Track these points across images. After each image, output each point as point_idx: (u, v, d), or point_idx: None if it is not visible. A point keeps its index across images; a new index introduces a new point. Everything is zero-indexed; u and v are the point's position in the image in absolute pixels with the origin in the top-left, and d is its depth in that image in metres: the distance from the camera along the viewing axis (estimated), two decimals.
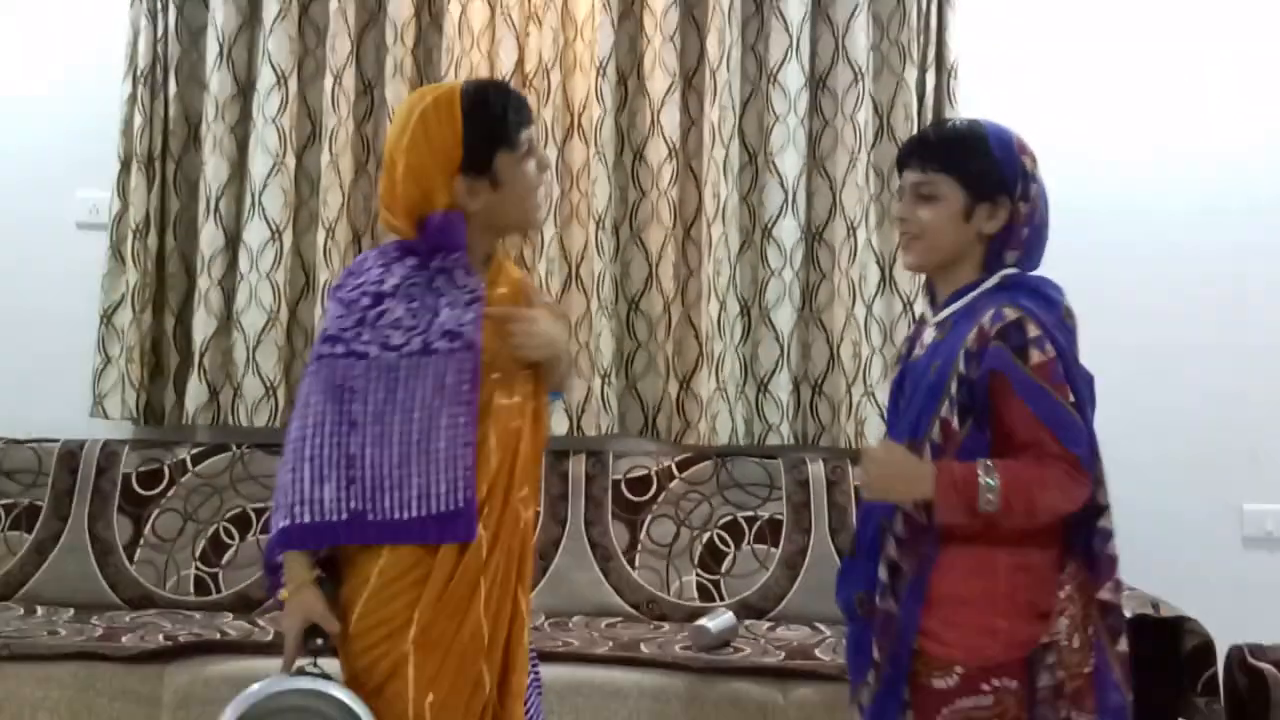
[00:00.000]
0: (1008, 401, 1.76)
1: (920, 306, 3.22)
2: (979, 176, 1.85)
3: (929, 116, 3.39)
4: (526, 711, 1.94)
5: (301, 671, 1.83)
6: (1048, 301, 1.83)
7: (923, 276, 2.02)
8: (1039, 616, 1.80)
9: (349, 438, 1.81)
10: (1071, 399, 1.77)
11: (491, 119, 1.87)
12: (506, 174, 1.88)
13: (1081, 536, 1.82)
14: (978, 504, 1.74)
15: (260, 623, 2.97)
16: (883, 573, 1.87)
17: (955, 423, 1.79)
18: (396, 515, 1.81)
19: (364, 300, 1.85)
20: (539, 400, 1.96)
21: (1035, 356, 1.75)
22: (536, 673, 2.03)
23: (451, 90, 1.90)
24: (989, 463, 1.76)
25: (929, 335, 1.91)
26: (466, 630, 1.83)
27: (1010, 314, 1.77)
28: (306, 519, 1.80)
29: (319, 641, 1.84)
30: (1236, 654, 2.46)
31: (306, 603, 1.83)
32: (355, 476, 1.80)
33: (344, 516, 1.80)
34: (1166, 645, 2.60)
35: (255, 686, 1.80)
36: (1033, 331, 1.76)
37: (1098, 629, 1.79)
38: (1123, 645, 1.82)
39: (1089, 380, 1.84)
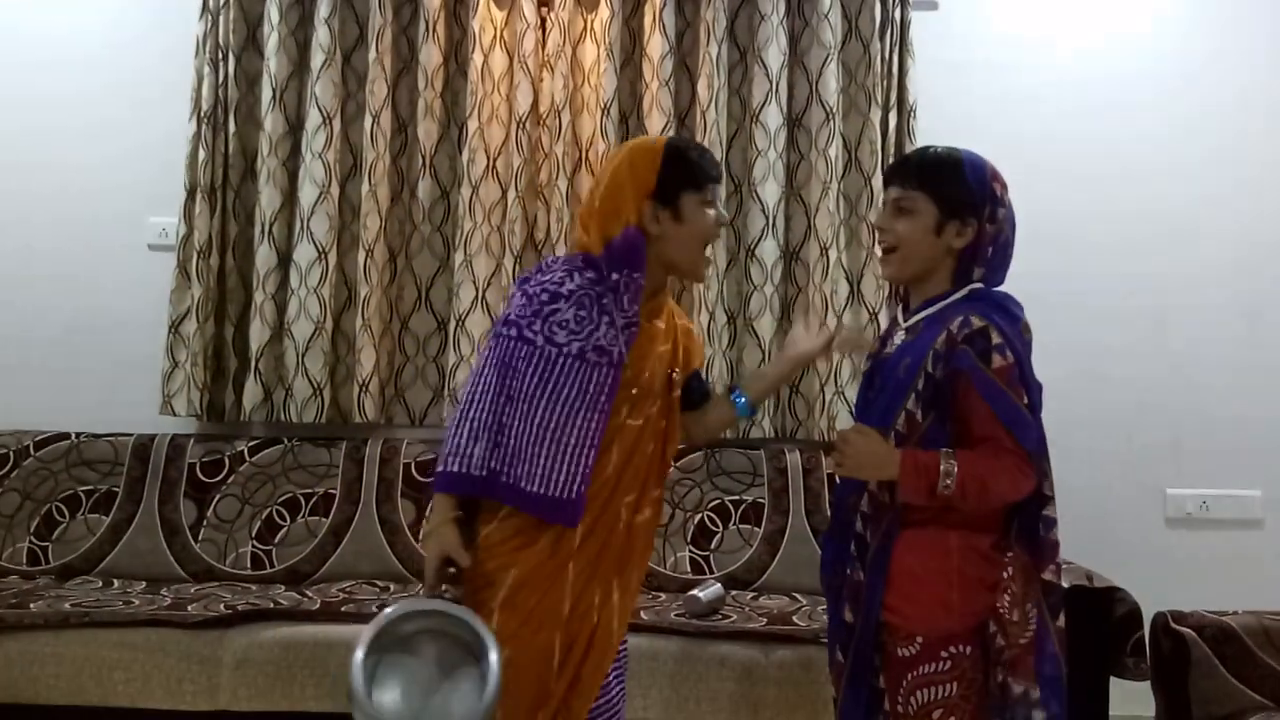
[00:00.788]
0: (970, 399, 1.76)
1: (884, 318, 3.23)
2: (951, 196, 1.85)
3: (891, 151, 3.39)
4: (606, 689, 1.94)
5: (436, 596, 1.84)
6: (1009, 315, 1.83)
7: (885, 290, 2.02)
8: (988, 589, 1.80)
9: (504, 408, 1.83)
10: (1026, 400, 1.77)
11: (687, 162, 1.91)
12: (689, 212, 1.91)
13: (1026, 523, 1.82)
14: (937, 486, 1.74)
15: (309, 593, 2.97)
16: (852, 547, 1.88)
17: (919, 415, 1.79)
18: (523, 485, 1.82)
19: (543, 295, 1.87)
20: (665, 423, 1.98)
21: (997, 361, 1.75)
22: (623, 659, 2.03)
23: (660, 138, 2.01)
24: (949, 451, 1.76)
25: (899, 337, 1.91)
26: (547, 604, 1.85)
27: (977, 322, 1.77)
28: (455, 469, 1.82)
29: (452, 570, 1.86)
30: (1160, 620, 2.46)
31: (445, 538, 1.84)
32: (501, 441, 1.82)
33: (484, 473, 1.82)
34: (1099, 613, 2.59)
35: (392, 608, 1.80)
36: (996, 339, 1.76)
37: (1040, 606, 1.79)
38: (1061, 621, 1.81)
39: (1039, 388, 1.84)
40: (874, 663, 1.85)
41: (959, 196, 1.85)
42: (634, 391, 1.90)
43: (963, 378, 1.75)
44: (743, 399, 2.10)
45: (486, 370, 1.86)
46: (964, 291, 1.86)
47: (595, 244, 1.91)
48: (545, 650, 1.85)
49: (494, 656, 1.73)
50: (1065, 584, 2.58)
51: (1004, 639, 1.76)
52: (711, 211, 1.94)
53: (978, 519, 1.81)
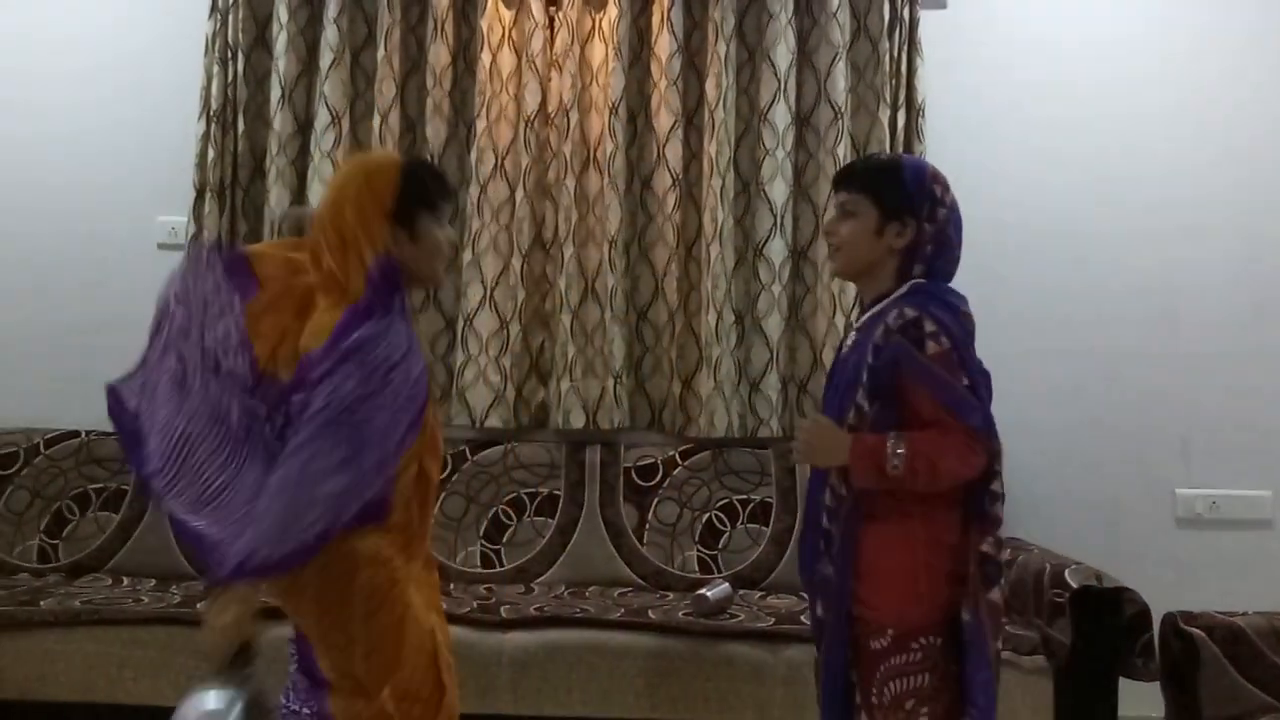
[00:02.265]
0: (911, 386, 1.82)
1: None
2: (891, 199, 1.92)
3: (900, 150, 3.38)
4: None
5: (244, 680, 1.80)
6: (946, 305, 1.88)
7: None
8: (954, 581, 1.84)
9: (341, 466, 1.68)
10: (965, 382, 1.82)
11: (419, 182, 1.91)
12: (424, 231, 1.90)
13: (979, 501, 1.86)
14: (886, 467, 1.79)
15: None
16: (820, 541, 1.92)
17: (866, 406, 1.85)
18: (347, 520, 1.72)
19: (394, 375, 1.75)
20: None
21: (931, 347, 1.81)
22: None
23: (392, 156, 2.03)
24: (897, 433, 1.81)
25: (852, 337, 1.97)
26: (435, 606, 1.93)
27: (910, 313, 1.83)
28: (309, 537, 1.67)
29: (248, 656, 1.81)
30: (1170, 620, 2.45)
31: (240, 618, 1.73)
32: (340, 494, 1.69)
33: (312, 541, 1.66)
34: (1108, 613, 2.59)
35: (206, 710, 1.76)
36: (929, 327, 1.81)
37: (974, 578, 1.82)
38: (995, 595, 1.84)
39: (985, 374, 1.89)
40: (847, 656, 1.88)
41: (898, 199, 1.92)
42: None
43: (900, 366, 1.81)
44: None
45: (324, 440, 1.66)
46: (905, 288, 1.92)
47: (355, 275, 1.81)
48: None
49: None
50: (1074, 583, 2.61)
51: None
52: (445, 230, 1.94)
53: (940, 511, 1.85)
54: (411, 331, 1.87)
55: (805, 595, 2.05)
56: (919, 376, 1.81)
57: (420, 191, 1.92)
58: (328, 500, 1.64)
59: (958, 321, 1.86)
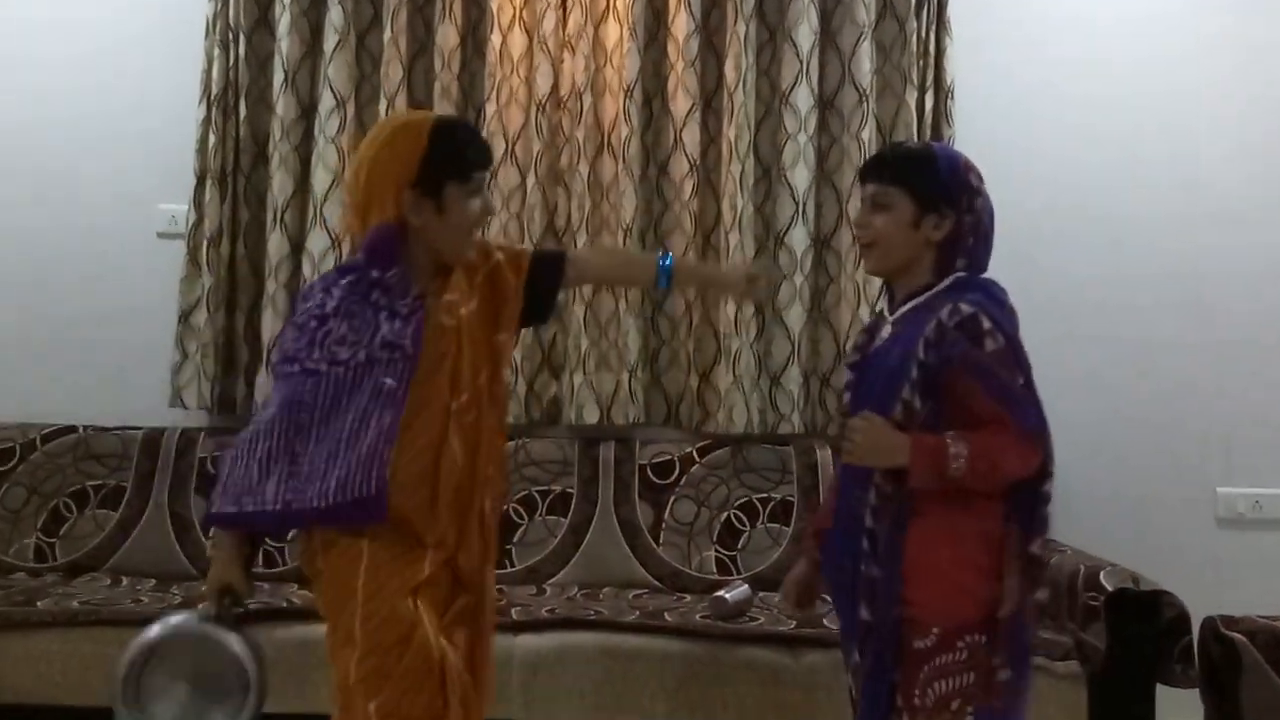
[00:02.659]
0: (967, 384, 1.82)
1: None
2: (928, 190, 1.92)
3: (928, 134, 3.37)
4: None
5: (215, 617, 1.96)
6: (995, 300, 1.89)
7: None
8: (996, 577, 1.85)
9: (295, 440, 1.85)
10: (1021, 380, 1.83)
11: (452, 149, 1.89)
12: (451, 202, 1.89)
13: (1028, 500, 1.86)
14: (948, 469, 1.80)
15: None
16: (864, 541, 1.90)
17: (916, 404, 1.84)
18: (316, 503, 1.83)
19: (312, 323, 1.88)
20: (493, 388, 1.97)
21: (990, 345, 1.81)
22: None
23: (425, 116, 1.95)
24: (956, 433, 1.81)
25: (887, 331, 1.97)
26: (455, 605, 1.91)
27: (966, 309, 1.83)
28: (250, 508, 1.85)
29: (227, 601, 1.95)
30: (1210, 625, 2.44)
31: (225, 567, 1.93)
32: (294, 472, 1.84)
33: (278, 507, 1.84)
34: (1146, 617, 2.57)
35: (157, 629, 1.96)
36: (986, 324, 1.82)
37: (1023, 579, 1.84)
38: (1042, 595, 1.88)
39: (1029, 367, 1.89)
40: (891, 658, 1.87)
41: (935, 190, 1.91)
42: (436, 375, 1.89)
43: (958, 364, 1.81)
44: (668, 262, 2.08)
45: (271, 408, 1.89)
46: (949, 281, 1.92)
47: (360, 231, 1.91)
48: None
49: (253, 697, 1.89)
50: (1109, 586, 2.59)
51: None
52: (476, 202, 1.92)
53: (984, 504, 1.85)
54: (352, 301, 1.87)
55: (832, 594, 2.04)
56: (978, 375, 1.81)
57: (450, 159, 1.87)
58: (234, 472, 1.87)
59: (1007, 316, 1.87)
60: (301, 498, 1.83)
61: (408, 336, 1.86)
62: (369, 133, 1.96)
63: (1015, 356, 1.83)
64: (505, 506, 3.28)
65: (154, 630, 1.96)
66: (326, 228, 3.39)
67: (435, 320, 1.90)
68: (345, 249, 3.40)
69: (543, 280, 2.04)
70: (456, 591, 1.92)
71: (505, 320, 2.00)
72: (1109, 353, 3.43)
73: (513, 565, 3.22)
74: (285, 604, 2.85)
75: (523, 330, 3.34)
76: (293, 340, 1.91)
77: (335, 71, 3.40)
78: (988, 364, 1.80)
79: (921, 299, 1.92)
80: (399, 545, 1.87)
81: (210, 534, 2.01)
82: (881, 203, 1.94)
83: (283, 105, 3.41)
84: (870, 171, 2.00)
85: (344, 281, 1.90)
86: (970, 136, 3.30)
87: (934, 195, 1.91)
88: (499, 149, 3.41)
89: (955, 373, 1.82)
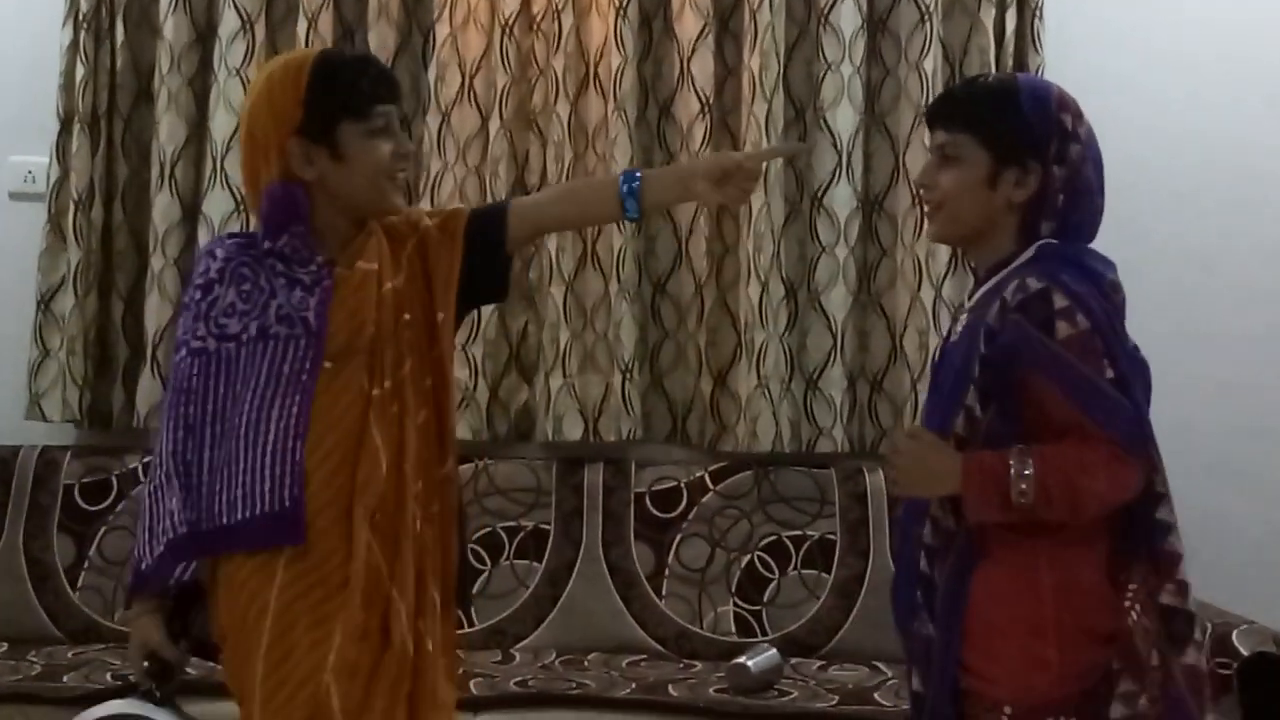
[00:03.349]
0: (1037, 381, 1.81)
1: None
2: (1005, 137, 1.91)
3: (1009, 64, 3.37)
4: None
5: (145, 695, 1.98)
6: (1087, 273, 1.87)
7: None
8: (1098, 641, 1.82)
9: (185, 445, 1.91)
10: (1111, 375, 1.80)
11: (341, 85, 1.95)
12: (350, 146, 1.95)
13: (1142, 534, 1.85)
14: (1011, 495, 1.78)
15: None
16: (916, 591, 1.91)
17: (978, 410, 1.84)
18: (224, 520, 1.89)
19: (196, 295, 1.96)
20: (431, 380, 2.01)
21: (1063, 329, 1.79)
22: None
23: (305, 54, 2.05)
24: (1022, 448, 1.80)
25: (962, 319, 1.96)
26: (392, 655, 1.90)
27: (1034, 284, 1.82)
28: (161, 547, 1.90)
29: (151, 666, 1.98)
30: None
31: (144, 630, 1.96)
32: (191, 484, 1.90)
33: (184, 530, 1.89)
34: None
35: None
36: (1060, 302, 1.80)
37: (1159, 640, 1.81)
38: (1190, 657, 1.82)
39: (1141, 364, 1.88)
40: None
41: (1015, 137, 1.91)
42: (352, 356, 1.94)
43: (1021, 355, 1.80)
44: (635, 183, 2.01)
45: (163, 413, 1.97)
46: (1031, 251, 1.91)
47: (254, 203, 2.01)
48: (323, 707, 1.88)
49: None
50: (1244, 649, 2.59)
51: (1145, 696, 1.78)
52: (385, 143, 1.97)
53: (1077, 544, 1.83)
54: (241, 264, 1.96)
55: (906, 659, 2.02)
56: (1046, 369, 1.79)
57: (339, 94, 1.94)
58: (145, 513, 1.94)
59: (1100, 294, 1.84)
60: (209, 514, 1.89)
61: (310, 308, 1.93)
62: (249, 89, 2.06)
63: (1104, 343, 1.80)
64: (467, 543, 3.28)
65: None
66: (229, 186, 3.39)
67: (347, 291, 1.96)
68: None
69: (485, 241, 2.06)
70: (386, 648, 1.93)
71: (440, 296, 2.03)
72: (1239, 349, 3.43)
73: (471, 624, 3.22)
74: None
75: (483, 318, 3.38)
76: (181, 322, 1.98)
77: None
78: (1059, 355, 1.78)
79: (999, 277, 1.91)
80: (315, 582, 1.89)
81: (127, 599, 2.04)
82: (950, 154, 1.94)
83: (172, 28, 3.40)
84: (936, 115, 2.00)
85: (231, 242, 2.00)
86: (1064, 68, 3.28)
87: (1015, 143, 1.90)
88: (453, 84, 3.41)
89: (1023, 368, 1.81)
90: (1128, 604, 1.82)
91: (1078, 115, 1.94)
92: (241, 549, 1.90)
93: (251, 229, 2.06)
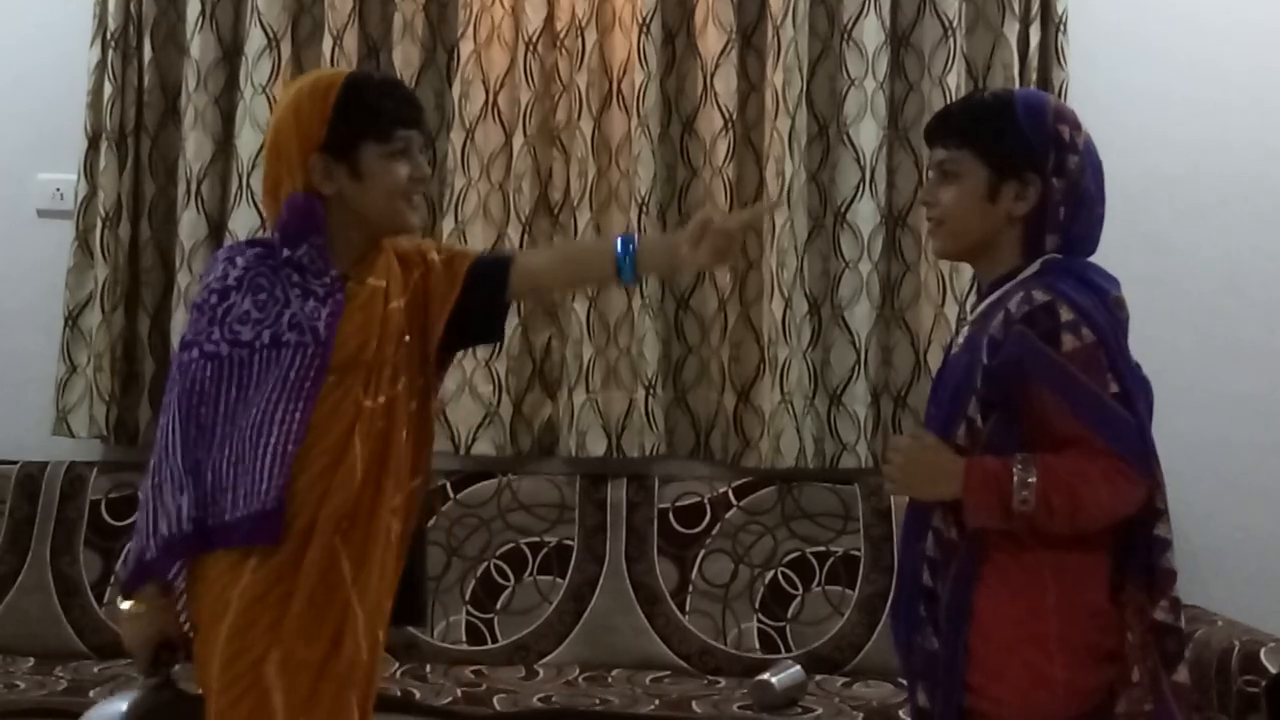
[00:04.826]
0: (1040, 394, 1.82)
1: None
2: (1003, 151, 1.93)
3: (1033, 79, 3.37)
4: None
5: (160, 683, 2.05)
6: (1091, 287, 1.87)
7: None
8: (1103, 659, 1.83)
9: (197, 444, 1.99)
10: (1114, 389, 1.80)
11: (366, 106, 2.02)
12: (370, 166, 2.02)
13: (1140, 549, 1.85)
14: (1012, 501, 1.79)
15: None
16: (920, 604, 1.91)
17: (980, 420, 1.85)
18: (226, 517, 1.97)
19: (211, 299, 2.03)
20: (417, 400, 2.09)
21: (1068, 342, 1.80)
22: None
23: (335, 74, 2.16)
24: (1027, 455, 1.81)
25: (964, 331, 1.98)
26: (342, 657, 1.97)
27: (1040, 297, 1.83)
28: (166, 535, 1.98)
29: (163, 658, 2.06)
30: None
31: (154, 618, 2.04)
32: (200, 482, 1.98)
33: (189, 527, 1.97)
34: None
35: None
36: (1065, 315, 1.81)
37: (1152, 656, 1.81)
38: (1181, 675, 1.83)
39: (1142, 382, 1.88)
40: None
41: (1013, 150, 1.92)
42: (353, 369, 2.02)
43: (1025, 368, 1.81)
44: (630, 247, 2.07)
45: (169, 411, 2.03)
46: (1035, 265, 1.92)
47: (272, 214, 2.07)
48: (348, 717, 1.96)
49: None
50: (1272, 667, 2.58)
51: (1128, 708, 1.79)
52: (402, 166, 2.04)
53: (1082, 561, 1.84)
54: (259, 274, 2.02)
55: (904, 680, 2.05)
56: (1050, 381, 1.80)
57: (363, 114, 2.01)
58: (146, 506, 2.01)
59: (1104, 309, 1.85)
60: (214, 511, 1.97)
61: (321, 319, 2.00)
62: (277, 106, 2.13)
63: (1108, 357, 1.81)
64: (487, 563, 3.29)
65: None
66: (255, 203, 3.40)
67: (356, 305, 2.03)
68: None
69: (485, 286, 2.13)
70: (337, 651, 1.98)
71: (430, 330, 2.11)
72: (1268, 364, 3.41)
73: (495, 640, 3.23)
74: (199, 690, 2.85)
75: (508, 335, 3.39)
76: (191, 323, 2.04)
77: (266, 1, 3.42)
78: (1064, 368, 1.79)
79: (1002, 290, 1.92)
80: (275, 581, 1.96)
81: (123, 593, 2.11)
82: (949, 170, 1.96)
83: (198, 46, 3.43)
84: (935, 132, 2.02)
85: (251, 252, 2.06)
86: (1089, 80, 3.30)
87: (1012, 157, 1.91)
88: (477, 100, 3.43)
89: (1026, 380, 1.82)
90: (1130, 637, 1.82)
91: (1075, 126, 1.95)
92: (235, 544, 1.97)
93: (265, 237, 2.12)
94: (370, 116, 2.02)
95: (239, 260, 2.06)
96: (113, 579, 3.25)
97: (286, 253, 2.02)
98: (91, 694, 2.83)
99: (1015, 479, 1.79)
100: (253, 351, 1.99)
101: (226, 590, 1.96)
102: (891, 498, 3.30)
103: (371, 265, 2.08)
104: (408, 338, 2.08)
